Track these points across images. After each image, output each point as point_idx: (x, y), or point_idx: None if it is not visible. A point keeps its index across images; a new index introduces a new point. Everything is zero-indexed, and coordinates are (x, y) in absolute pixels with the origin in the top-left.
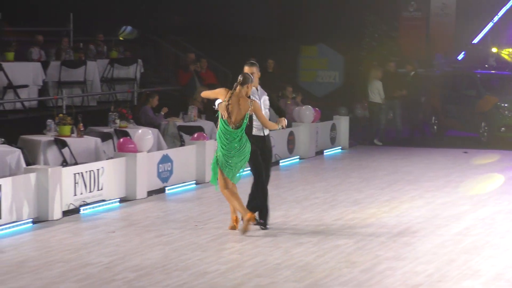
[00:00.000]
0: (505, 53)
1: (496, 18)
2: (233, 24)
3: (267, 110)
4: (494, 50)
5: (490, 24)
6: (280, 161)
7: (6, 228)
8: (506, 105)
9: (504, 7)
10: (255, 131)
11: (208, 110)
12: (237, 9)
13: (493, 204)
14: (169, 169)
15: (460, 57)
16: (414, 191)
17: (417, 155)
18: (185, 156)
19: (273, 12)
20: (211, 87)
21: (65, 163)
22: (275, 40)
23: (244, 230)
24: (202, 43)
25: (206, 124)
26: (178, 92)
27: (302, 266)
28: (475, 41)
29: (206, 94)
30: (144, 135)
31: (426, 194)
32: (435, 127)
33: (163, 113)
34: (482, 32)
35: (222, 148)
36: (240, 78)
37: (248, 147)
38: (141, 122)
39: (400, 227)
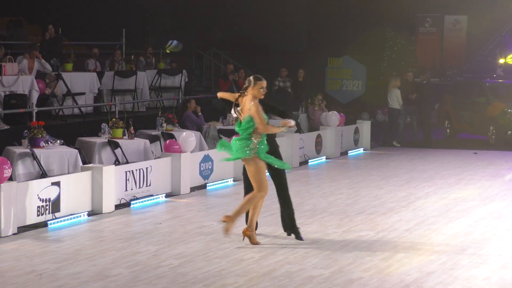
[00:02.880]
0: (509, 58)
1: (503, 32)
2: (267, 38)
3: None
4: (502, 61)
5: (498, 38)
6: (309, 160)
7: (64, 220)
8: (510, 110)
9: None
10: None
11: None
12: (271, 25)
13: (500, 200)
14: (209, 167)
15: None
16: (429, 187)
17: (432, 155)
18: (224, 156)
19: (303, 28)
20: None
21: (117, 162)
22: (305, 53)
23: (227, 231)
24: (240, 55)
25: None
26: (219, 99)
27: (328, 254)
28: (484, 53)
29: (222, 95)
30: (188, 137)
31: (440, 190)
32: (448, 130)
33: (200, 113)
34: (490, 46)
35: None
36: (251, 79)
37: (248, 148)
38: (185, 126)
39: (416, 220)
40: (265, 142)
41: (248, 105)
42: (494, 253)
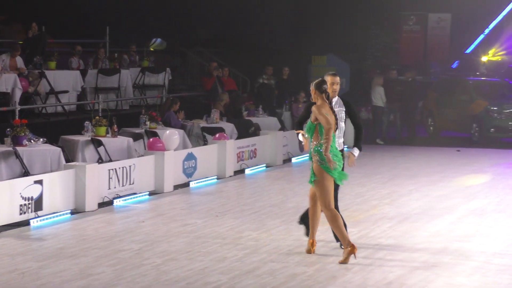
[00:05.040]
0: (491, 54)
1: (486, 31)
2: (252, 36)
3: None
4: (485, 59)
5: (481, 36)
6: (293, 158)
7: (47, 218)
8: (495, 108)
9: (494, 21)
10: None
11: (229, 113)
12: (255, 23)
13: (482, 197)
14: (193, 165)
15: (454, 65)
16: (412, 185)
17: (415, 153)
18: (207, 154)
19: (287, 26)
20: (232, 93)
21: (100, 160)
22: (289, 51)
23: (343, 262)
24: (224, 53)
25: (227, 126)
26: (202, 97)
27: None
28: (468, 51)
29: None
30: (171, 135)
31: (423, 188)
32: (431, 128)
33: (180, 119)
34: (474, 43)
35: None
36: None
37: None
38: (168, 124)
39: (400, 217)
40: (337, 151)
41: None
42: (476, 250)
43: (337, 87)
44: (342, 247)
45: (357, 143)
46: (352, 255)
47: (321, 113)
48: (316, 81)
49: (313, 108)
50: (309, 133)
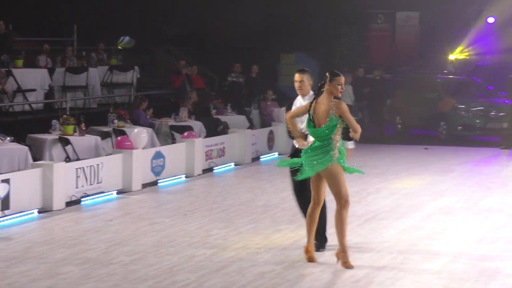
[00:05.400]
0: (457, 52)
1: (454, 29)
2: (221, 34)
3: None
4: (452, 57)
5: (449, 35)
6: (261, 156)
7: (14, 218)
8: (462, 106)
9: (461, 20)
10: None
11: (198, 112)
12: (224, 21)
13: (450, 195)
14: (161, 164)
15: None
16: (380, 183)
17: (383, 151)
18: (176, 153)
19: (256, 24)
20: (200, 91)
21: (68, 159)
22: (258, 49)
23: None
24: (192, 51)
25: (195, 124)
26: (170, 95)
27: (280, 250)
28: (435, 49)
29: (291, 114)
30: (140, 134)
31: (391, 186)
32: (399, 126)
33: (149, 117)
34: (441, 42)
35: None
36: (327, 74)
37: (329, 156)
38: (136, 122)
39: (368, 215)
40: (344, 147)
41: (326, 104)
42: (444, 247)
43: (300, 84)
44: (321, 249)
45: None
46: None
47: (349, 117)
48: (331, 72)
49: (339, 105)
50: (330, 129)
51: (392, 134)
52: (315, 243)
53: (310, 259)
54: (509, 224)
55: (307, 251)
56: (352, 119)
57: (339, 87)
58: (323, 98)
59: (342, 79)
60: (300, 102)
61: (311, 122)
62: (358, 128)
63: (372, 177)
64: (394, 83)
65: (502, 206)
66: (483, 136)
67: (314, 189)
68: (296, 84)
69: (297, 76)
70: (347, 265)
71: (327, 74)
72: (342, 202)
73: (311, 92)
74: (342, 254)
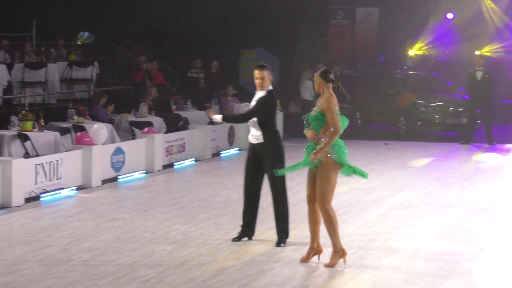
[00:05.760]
0: (417, 47)
1: (413, 25)
2: (181, 30)
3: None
4: (412, 53)
5: (408, 30)
6: (221, 152)
7: None
8: (422, 102)
9: (420, 16)
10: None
11: (158, 107)
12: (184, 17)
13: (409, 190)
14: (121, 160)
15: (381, 59)
16: (340, 178)
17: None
18: (136, 148)
19: (216, 20)
20: (160, 86)
21: (27, 155)
22: (218, 45)
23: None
24: (152, 47)
25: (155, 120)
26: (131, 91)
27: (240, 245)
28: (395, 45)
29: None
30: (99, 130)
31: (351, 180)
32: (359, 121)
33: (109, 113)
34: (400, 38)
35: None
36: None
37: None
38: (95, 118)
39: None
40: (341, 142)
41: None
42: (403, 242)
43: (259, 82)
44: (282, 245)
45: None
46: (342, 260)
47: (330, 110)
48: (322, 70)
49: (322, 101)
50: (315, 124)
51: (351, 129)
52: (277, 238)
53: (306, 259)
54: (467, 218)
55: (318, 251)
56: (333, 117)
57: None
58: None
59: (257, 73)
60: (255, 96)
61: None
62: (337, 129)
63: None
64: (354, 78)
65: (460, 201)
66: (442, 132)
67: (310, 187)
68: (258, 81)
69: (257, 73)
70: (331, 263)
71: (317, 76)
72: (321, 204)
73: (270, 87)
74: (333, 254)
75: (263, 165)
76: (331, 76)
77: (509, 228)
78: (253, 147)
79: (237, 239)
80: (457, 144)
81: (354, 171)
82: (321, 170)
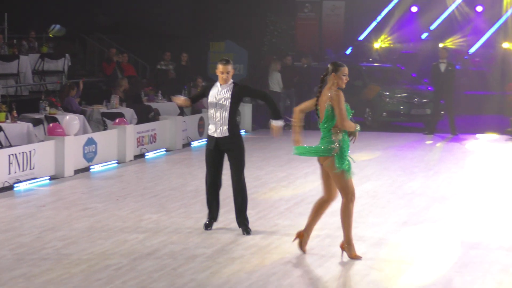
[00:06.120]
0: (382, 41)
1: (379, 18)
2: (151, 23)
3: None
4: (377, 45)
5: (374, 23)
6: (192, 143)
7: None
8: (387, 93)
9: (385, 9)
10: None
11: (129, 99)
12: (154, 10)
13: (375, 179)
14: (93, 150)
15: (348, 52)
16: (308, 168)
17: (310, 136)
18: (107, 139)
19: (186, 13)
20: (131, 78)
21: (0, 146)
22: (187, 38)
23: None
24: (123, 40)
25: (127, 111)
26: (102, 82)
27: (210, 234)
28: (361, 38)
29: (300, 108)
30: (71, 121)
31: (318, 170)
32: None
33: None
34: (366, 31)
35: None
36: (330, 66)
37: (328, 149)
38: (68, 109)
39: (296, 199)
40: (347, 138)
41: (326, 96)
42: (369, 230)
43: (226, 76)
44: (244, 233)
45: (275, 114)
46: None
47: (340, 107)
48: (335, 63)
49: (333, 95)
50: (327, 121)
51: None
52: (242, 228)
53: (301, 245)
54: (432, 206)
55: (299, 235)
56: (341, 110)
57: (344, 77)
58: (326, 90)
59: (346, 69)
60: (218, 89)
61: (317, 116)
62: (347, 123)
63: (300, 162)
64: (321, 71)
65: (425, 190)
66: (407, 122)
67: (323, 184)
68: (224, 76)
69: (222, 68)
70: (354, 256)
71: (329, 65)
72: (348, 196)
73: (231, 80)
74: (348, 247)
75: (223, 157)
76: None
77: (471, 216)
78: (215, 140)
79: (209, 226)
80: (422, 134)
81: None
82: (332, 166)
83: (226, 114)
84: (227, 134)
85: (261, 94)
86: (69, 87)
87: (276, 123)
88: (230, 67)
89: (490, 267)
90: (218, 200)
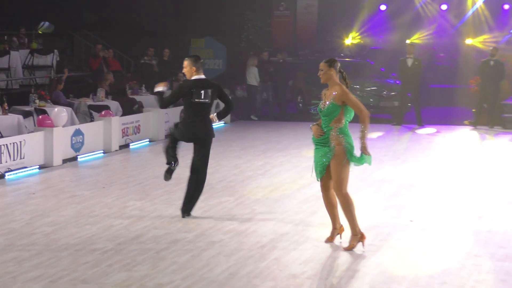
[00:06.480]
0: (352, 37)
1: (350, 16)
2: (135, 20)
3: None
4: (348, 42)
5: (345, 21)
6: None
7: None
8: (357, 86)
9: (357, 7)
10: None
11: (114, 92)
12: (138, 7)
13: None
14: (80, 140)
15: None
16: (283, 157)
17: (286, 127)
18: (94, 130)
19: (168, 10)
20: (116, 73)
21: None
22: (169, 34)
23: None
24: (109, 36)
25: (112, 104)
26: (89, 77)
27: (191, 219)
28: (333, 34)
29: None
30: (60, 113)
31: (293, 159)
32: (300, 105)
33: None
34: (338, 28)
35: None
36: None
37: (327, 149)
38: (56, 102)
39: (272, 187)
40: (348, 132)
41: (329, 91)
42: (340, 215)
43: (184, 71)
44: (186, 215)
45: (224, 115)
46: (360, 243)
47: (350, 99)
48: (329, 59)
49: (340, 91)
50: (329, 115)
51: (294, 112)
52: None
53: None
54: (400, 193)
55: (340, 231)
56: (356, 104)
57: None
58: (330, 84)
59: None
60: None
61: (320, 110)
62: (364, 112)
63: (275, 151)
64: (295, 65)
65: (393, 177)
66: (376, 114)
67: (324, 176)
68: (186, 70)
69: (190, 62)
70: (351, 247)
71: (324, 62)
72: (338, 191)
73: (193, 78)
74: (352, 237)
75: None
76: (339, 66)
77: (436, 201)
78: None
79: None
80: (390, 125)
81: (360, 159)
82: (336, 158)
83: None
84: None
85: (228, 99)
86: (56, 81)
87: (215, 117)
88: (185, 63)
89: (452, 249)
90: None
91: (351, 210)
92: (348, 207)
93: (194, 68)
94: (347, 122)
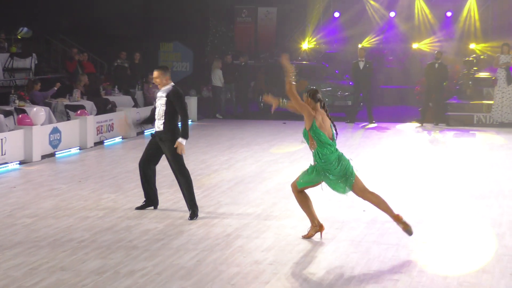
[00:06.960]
0: (308, 41)
1: (306, 22)
2: (107, 25)
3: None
4: (306, 46)
5: (302, 27)
6: (145, 131)
7: None
8: (314, 87)
9: (313, 14)
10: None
11: (89, 93)
12: (110, 13)
13: (304, 161)
14: (58, 138)
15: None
16: (246, 152)
17: (249, 125)
18: (70, 128)
19: (138, 16)
20: (91, 75)
21: None
22: (140, 39)
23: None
24: (83, 40)
25: (87, 103)
26: (65, 78)
27: (161, 211)
28: (291, 39)
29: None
30: (38, 112)
31: (256, 154)
32: (261, 104)
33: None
34: (295, 33)
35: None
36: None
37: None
38: (34, 102)
39: (236, 180)
40: (317, 155)
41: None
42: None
43: (157, 81)
44: (195, 218)
45: (184, 133)
46: (318, 233)
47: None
48: (310, 91)
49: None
50: (306, 139)
51: (255, 111)
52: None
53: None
54: None
55: (320, 228)
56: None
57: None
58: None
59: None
60: (159, 93)
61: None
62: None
63: (239, 147)
64: (256, 68)
65: None
66: (331, 113)
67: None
68: (158, 80)
69: (161, 73)
70: (407, 228)
71: (306, 96)
72: (293, 189)
73: (170, 84)
74: (399, 224)
75: (160, 148)
76: (319, 96)
77: (386, 193)
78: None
79: (141, 207)
80: (344, 123)
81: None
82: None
83: (161, 112)
84: (162, 128)
85: (184, 111)
86: (33, 82)
87: (182, 141)
88: (156, 73)
89: (401, 237)
90: (152, 186)
91: (307, 204)
92: (302, 202)
93: (167, 77)
94: (326, 143)
